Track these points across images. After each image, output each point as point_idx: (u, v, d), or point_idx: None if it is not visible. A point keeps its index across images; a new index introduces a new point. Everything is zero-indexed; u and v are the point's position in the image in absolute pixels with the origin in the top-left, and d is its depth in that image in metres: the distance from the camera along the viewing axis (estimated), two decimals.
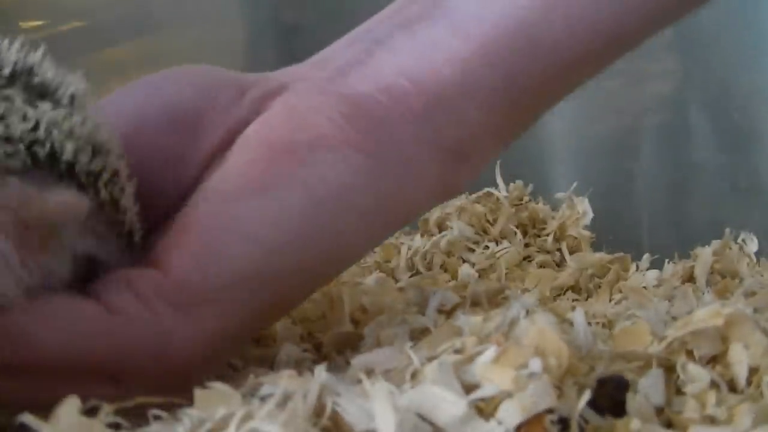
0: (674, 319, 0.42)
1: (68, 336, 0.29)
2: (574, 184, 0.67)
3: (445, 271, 0.60)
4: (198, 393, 0.28)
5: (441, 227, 0.66)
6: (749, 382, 0.33)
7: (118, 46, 0.75)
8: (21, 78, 0.31)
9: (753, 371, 0.33)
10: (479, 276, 0.59)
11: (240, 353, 0.36)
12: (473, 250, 0.63)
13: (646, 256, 0.63)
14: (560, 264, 0.63)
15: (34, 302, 0.30)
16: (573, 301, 0.56)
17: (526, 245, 0.65)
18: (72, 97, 0.31)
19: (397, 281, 0.59)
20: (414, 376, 0.28)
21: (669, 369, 0.34)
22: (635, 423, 0.28)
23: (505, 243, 0.63)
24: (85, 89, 0.31)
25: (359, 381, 0.27)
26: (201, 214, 0.32)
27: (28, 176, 0.29)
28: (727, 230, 0.63)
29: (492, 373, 0.27)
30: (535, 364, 0.27)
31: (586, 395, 0.27)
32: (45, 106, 0.30)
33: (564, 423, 0.27)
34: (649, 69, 0.76)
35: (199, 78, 0.36)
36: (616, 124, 0.79)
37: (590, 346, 0.32)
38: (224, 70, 0.37)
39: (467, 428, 0.26)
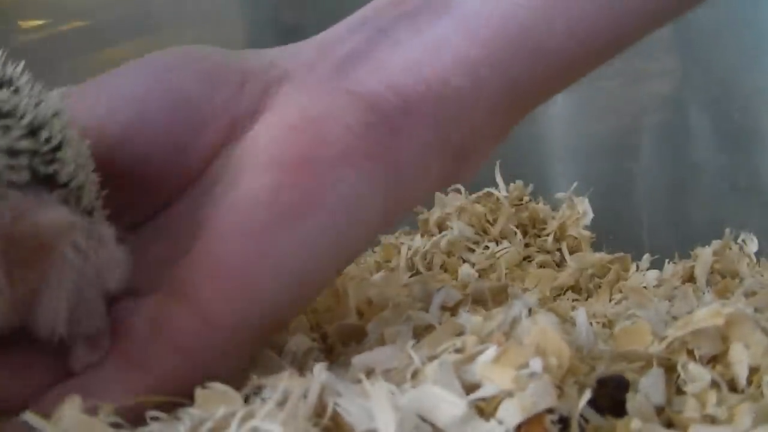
0: (674, 319, 0.42)
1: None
2: (575, 184, 0.67)
3: (445, 271, 0.60)
4: (198, 393, 0.28)
5: (441, 227, 0.66)
6: (749, 382, 0.33)
7: (118, 46, 0.75)
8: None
9: (753, 371, 0.33)
10: (479, 276, 0.59)
11: None
12: (473, 250, 0.63)
13: (646, 256, 0.63)
14: (560, 264, 0.63)
15: None
16: (573, 301, 0.56)
17: (526, 245, 0.65)
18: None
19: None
20: (414, 375, 0.28)
21: (669, 369, 0.34)
22: (635, 423, 0.28)
23: (505, 243, 0.63)
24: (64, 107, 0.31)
25: (359, 381, 0.27)
26: (228, 251, 0.31)
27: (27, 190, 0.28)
28: (728, 230, 0.63)
29: (492, 373, 0.27)
30: (536, 364, 0.27)
31: (587, 395, 0.27)
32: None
33: (564, 423, 0.27)
34: (648, 69, 0.76)
35: (201, 64, 0.35)
36: (616, 124, 0.79)
37: (591, 345, 0.33)
38: (225, 52, 0.36)
39: (467, 428, 0.26)
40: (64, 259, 0.29)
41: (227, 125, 0.33)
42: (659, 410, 0.31)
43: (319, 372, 0.27)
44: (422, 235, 0.65)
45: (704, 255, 0.59)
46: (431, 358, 0.29)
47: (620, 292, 0.56)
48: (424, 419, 0.26)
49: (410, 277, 0.60)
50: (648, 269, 0.61)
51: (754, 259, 0.62)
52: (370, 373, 0.29)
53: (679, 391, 0.33)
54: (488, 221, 0.66)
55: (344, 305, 0.40)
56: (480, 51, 0.34)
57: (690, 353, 0.34)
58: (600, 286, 0.58)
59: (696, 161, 0.75)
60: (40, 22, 0.77)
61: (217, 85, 0.34)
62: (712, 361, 0.35)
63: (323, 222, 0.31)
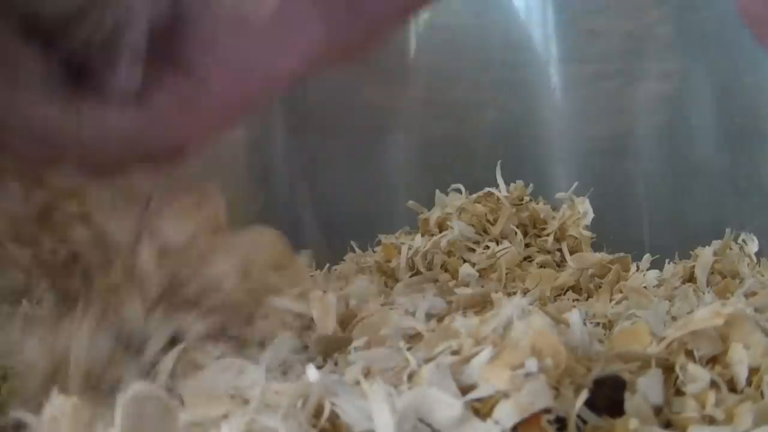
0: (675, 319, 0.42)
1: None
2: (575, 184, 0.67)
3: (446, 270, 0.60)
4: (195, 394, 0.28)
5: (441, 227, 0.66)
6: (749, 382, 0.33)
7: None
8: None
9: (753, 371, 0.33)
10: (480, 276, 0.59)
11: None
12: (474, 250, 0.63)
13: (646, 256, 0.63)
14: (561, 264, 0.63)
15: None
16: (573, 301, 0.55)
17: (527, 245, 0.65)
18: None
19: (397, 281, 0.59)
20: (411, 377, 0.28)
21: (668, 369, 0.34)
22: (633, 423, 0.28)
23: (506, 243, 0.63)
24: None
25: (357, 382, 0.27)
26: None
27: None
28: (728, 230, 0.63)
29: (488, 374, 0.27)
30: (532, 365, 0.27)
31: (584, 395, 0.27)
32: None
33: (561, 423, 0.27)
34: (649, 69, 0.76)
35: None
36: (616, 124, 0.79)
37: (587, 346, 0.32)
38: None
39: (464, 429, 0.26)
40: None
41: None
42: (658, 411, 0.31)
43: (317, 373, 0.27)
44: (422, 235, 0.65)
45: (704, 255, 0.59)
46: (427, 360, 0.29)
47: (620, 292, 0.56)
48: (421, 420, 0.26)
49: (410, 276, 0.60)
50: (648, 269, 0.61)
51: (755, 259, 0.62)
52: (366, 374, 0.29)
53: (679, 392, 0.33)
54: (489, 221, 0.66)
55: (326, 316, 0.40)
56: None
57: (689, 354, 0.34)
58: (600, 286, 0.58)
59: (696, 161, 0.75)
60: None
61: None
62: (712, 361, 0.35)
63: None
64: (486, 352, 0.27)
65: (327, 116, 0.82)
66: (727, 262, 0.59)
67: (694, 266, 0.59)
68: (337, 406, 0.27)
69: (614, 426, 0.29)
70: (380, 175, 0.81)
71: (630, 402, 0.30)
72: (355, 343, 0.36)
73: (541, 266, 0.62)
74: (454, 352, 0.29)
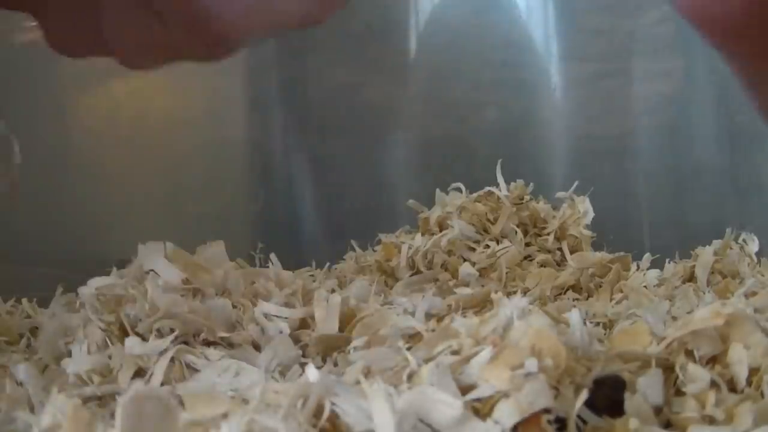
0: (675, 318, 0.42)
1: None
2: (575, 184, 0.67)
3: (446, 270, 0.60)
4: (193, 395, 0.28)
5: (442, 226, 0.66)
6: (749, 382, 0.33)
7: None
8: None
9: (753, 371, 0.33)
10: (480, 275, 0.59)
11: None
12: (474, 249, 0.63)
13: (646, 256, 0.63)
14: (561, 263, 0.63)
15: None
16: (574, 300, 0.56)
17: (527, 244, 0.65)
18: None
19: (397, 280, 0.59)
20: (411, 377, 0.28)
21: (668, 369, 0.34)
22: (633, 423, 0.28)
23: (506, 242, 0.63)
24: None
25: (357, 382, 0.27)
26: None
27: None
28: (728, 230, 0.63)
29: (488, 374, 0.27)
30: (532, 364, 0.27)
31: (583, 395, 0.27)
32: None
33: (561, 423, 0.27)
34: (649, 69, 0.76)
35: None
36: (616, 124, 0.79)
37: (587, 346, 0.32)
38: None
39: (464, 429, 0.26)
40: None
41: None
42: (658, 411, 0.31)
43: (317, 373, 0.27)
44: (423, 234, 0.65)
45: (705, 255, 0.59)
46: (427, 360, 0.29)
47: (621, 291, 0.56)
48: (421, 420, 0.26)
49: (411, 275, 0.60)
50: (648, 269, 0.61)
51: (755, 259, 0.62)
52: (366, 374, 0.29)
53: (679, 392, 0.33)
54: (489, 220, 0.66)
55: (325, 315, 0.40)
56: None
57: (689, 353, 0.34)
58: (600, 286, 0.58)
59: (696, 161, 0.75)
60: None
61: None
62: (712, 361, 0.34)
63: None
64: (486, 352, 0.27)
65: (327, 116, 0.82)
66: (727, 261, 0.59)
67: (694, 266, 0.59)
68: (337, 406, 0.27)
69: (614, 426, 0.29)
70: (380, 174, 0.81)
71: (630, 402, 0.30)
72: (354, 343, 0.36)
73: (541, 265, 0.62)
74: (454, 352, 0.29)
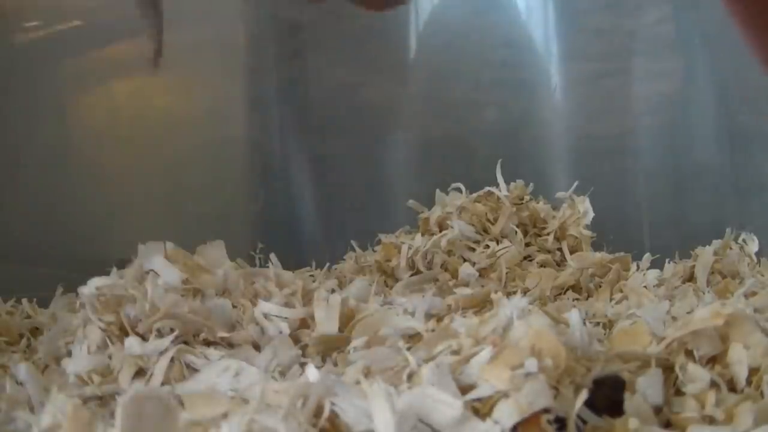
0: (675, 319, 0.42)
1: None
2: (575, 184, 0.67)
3: (446, 270, 0.60)
4: (193, 395, 0.28)
5: (441, 226, 0.66)
6: (749, 382, 0.33)
7: (118, 46, 0.75)
8: None
9: (753, 371, 0.33)
10: (480, 275, 0.59)
11: None
12: (474, 249, 0.63)
13: (646, 256, 0.63)
14: (561, 263, 0.63)
15: None
16: (573, 300, 0.56)
17: (527, 244, 0.65)
18: None
19: (397, 280, 0.59)
20: (411, 377, 0.28)
21: (668, 369, 0.34)
22: (633, 423, 0.28)
23: (506, 242, 0.63)
24: None
25: (357, 382, 0.27)
26: None
27: None
28: (728, 230, 0.63)
29: (488, 374, 0.27)
30: (531, 364, 0.27)
31: (583, 395, 0.27)
32: None
33: (561, 423, 0.27)
34: (649, 68, 0.76)
35: None
36: (616, 124, 0.79)
37: (586, 346, 0.32)
38: None
39: (464, 429, 0.26)
40: None
41: None
42: (658, 410, 0.31)
43: (317, 373, 0.27)
44: (423, 234, 0.65)
45: (705, 255, 0.59)
46: (427, 360, 0.29)
47: (621, 291, 0.56)
48: (421, 420, 0.26)
49: (410, 276, 0.60)
50: (648, 269, 0.61)
51: (755, 259, 0.62)
52: (366, 374, 0.29)
53: (679, 392, 0.33)
54: (489, 220, 0.66)
55: (325, 315, 0.40)
56: None
57: (689, 353, 0.34)
58: (600, 286, 0.58)
59: (697, 161, 0.75)
60: (40, 22, 0.77)
61: None
62: (712, 361, 0.35)
63: None
64: (485, 352, 0.27)
65: (327, 116, 0.82)
66: (727, 262, 0.59)
67: (694, 266, 0.59)
68: (337, 406, 0.27)
69: (614, 426, 0.29)
70: (380, 174, 0.81)
71: (630, 402, 0.30)
72: (354, 343, 0.36)
73: (541, 266, 0.62)
74: (454, 352, 0.29)
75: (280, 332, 0.39)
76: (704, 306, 0.36)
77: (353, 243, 0.68)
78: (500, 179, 0.68)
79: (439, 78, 0.82)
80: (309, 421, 0.26)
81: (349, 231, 0.71)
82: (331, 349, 0.37)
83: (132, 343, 0.37)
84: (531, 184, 0.69)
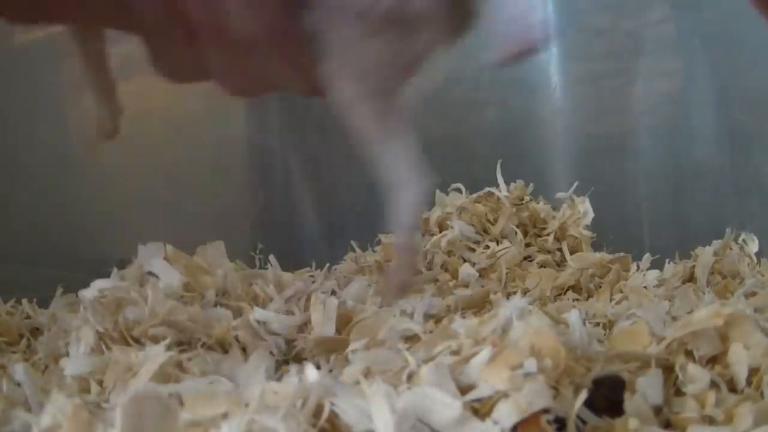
0: (675, 319, 0.42)
1: None
2: (575, 184, 0.67)
3: (446, 270, 0.60)
4: (193, 395, 0.28)
5: (441, 227, 0.66)
6: (749, 382, 0.33)
7: (118, 45, 0.75)
8: None
9: (753, 371, 0.33)
10: (480, 275, 0.59)
11: None
12: (474, 250, 0.63)
13: (646, 256, 0.62)
14: (561, 264, 0.63)
15: None
16: (574, 300, 0.55)
17: (527, 245, 0.65)
18: None
19: None
20: (410, 377, 0.28)
21: (668, 369, 0.34)
22: (633, 422, 0.28)
23: (506, 242, 0.63)
24: None
25: (357, 382, 0.27)
26: None
27: None
28: (728, 230, 0.63)
29: (488, 374, 0.27)
30: (531, 365, 0.27)
31: (583, 395, 0.27)
32: None
33: (561, 423, 0.27)
34: (649, 68, 0.76)
35: None
36: (616, 124, 0.79)
37: (586, 346, 0.32)
38: None
39: (464, 429, 0.25)
40: None
41: None
42: (657, 411, 0.31)
43: (317, 373, 0.27)
44: (423, 235, 0.65)
45: (705, 255, 0.59)
46: (426, 360, 0.29)
47: (621, 291, 0.56)
48: (420, 420, 0.26)
49: None
50: (648, 269, 0.61)
51: (755, 260, 0.62)
52: (366, 374, 0.29)
53: (678, 392, 0.33)
54: (489, 221, 0.66)
55: (322, 318, 0.40)
56: None
57: (689, 354, 0.34)
58: (600, 286, 0.58)
59: (697, 161, 0.75)
60: None
61: None
62: (712, 361, 0.35)
63: None
64: (485, 353, 0.27)
65: (326, 115, 0.82)
66: (727, 262, 0.59)
67: (694, 266, 0.59)
68: (337, 406, 0.27)
69: (614, 426, 0.29)
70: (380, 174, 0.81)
71: (630, 402, 0.30)
72: (352, 345, 0.36)
73: (541, 266, 0.62)
74: (453, 353, 0.29)
75: (277, 336, 0.39)
76: (704, 306, 0.36)
77: (353, 243, 0.68)
78: (500, 179, 0.68)
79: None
80: (308, 421, 0.26)
81: (349, 231, 0.71)
82: (329, 352, 0.37)
83: (119, 352, 0.37)
84: (531, 184, 0.69)
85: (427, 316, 0.40)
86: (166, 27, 0.37)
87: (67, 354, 0.40)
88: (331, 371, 0.36)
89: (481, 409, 0.26)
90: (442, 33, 0.36)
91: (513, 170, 0.69)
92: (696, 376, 0.33)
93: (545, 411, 0.26)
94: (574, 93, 0.79)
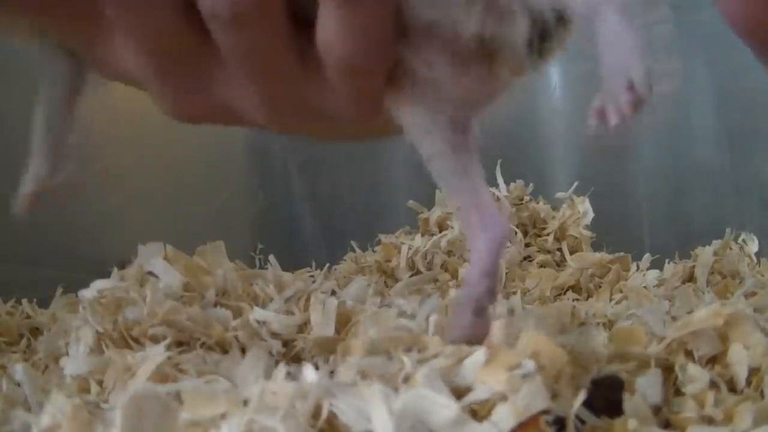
0: (674, 319, 0.42)
1: None
2: (575, 184, 0.67)
3: (446, 270, 0.60)
4: (193, 394, 0.28)
5: (441, 227, 0.66)
6: (749, 382, 0.33)
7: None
8: None
9: (753, 371, 0.33)
10: None
11: None
12: None
13: (646, 256, 0.62)
14: (561, 264, 0.63)
15: None
16: (573, 300, 0.55)
17: (527, 245, 0.65)
18: None
19: (397, 281, 0.59)
20: (406, 380, 0.28)
21: (668, 369, 0.33)
22: (632, 423, 0.28)
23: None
24: None
25: (354, 383, 0.27)
26: None
27: None
28: (728, 230, 0.63)
29: (485, 376, 0.27)
30: (528, 365, 0.26)
31: (582, 396, 0.27)
32: None
33: (560, 423, 0.27)
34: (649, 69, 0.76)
35: None
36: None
37: (584, 345, 0.32)
38: None
39: (463, 430, 0.25)
40: None
41: None
42: (657, 411, 0.31)
43: (315, 374, 0.27)
44: (422, 235, 0.65)
45: (704, 255, 0.59)
46: (421, 361, 0.29)
47: (621, 291, 0.56)
48: (419, 421, 0.26)
49: (410, 276, 0.60)
50: (648, 269, 0.61)
51: (755, 259, 0.62)
52: (364, 377, 0.29)
53: (678, 392, 0.33)
54: None
55: (321, 318, 0.40)
56: None
57: (689, 354, 0.34)
58: (600, 286, 0.58)
59: (697, 161, 0.75)
60: None
61: None
62: (712, 361, 0.34)
63: None
64: (479, 354, 0.27)
65: None
66: (727, 262, 0.59)
67: (694, 266, 0.59)
68: (336, 407, 0.27)
69: (613, 426, 0.29)
70: (380, 174, 0.81)
71: (629, 402, 0.30)
72: (351, 343, 0.36)
73: (541, 266, 0.62)
74: (450, 354, 0.29)
75: (275, 336, 0.39)
76: (704, 306, 0.36)
77: (353, 243, 0.68)
78: (500, 179, 0.68)
79: None
80: (308, 421, 0.26)
81: (349, 231, 0.71)
82: (328, 352, 0.37)
83: (117, 352, 0.36)
84: (531, 184, 0.69)
85: (427, 318, 0.39)
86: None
87: (67, 354, 0.40)
88: (332, 372, 0.36)
89: (479, 411, 0.26)
90: (523, 66, 0.35)
91: (513, 170, 0.69)
92: (696, 376, 0.33)
93: (545, 412, 0.26)
94: (574, 93, 0.79)
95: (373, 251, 0.66)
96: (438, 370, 0.27)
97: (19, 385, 0.37)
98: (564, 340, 0.30)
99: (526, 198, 0.68)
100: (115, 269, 0.47)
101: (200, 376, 0.33)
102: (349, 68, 0.32)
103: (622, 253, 0.62)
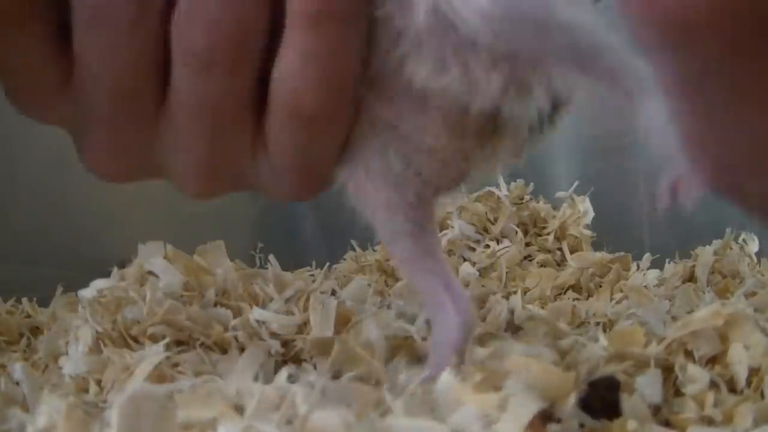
0: (675, 318, 0.42)
1: None
2: (575, 183, 0.67)
3: None
4: (190, 395, 0.28)
5: (441, 226, 0.65)
6: (749, 383, 0.33)
7: None
8: None
9: (753, 371, 0.33)
10: (480, 275, 0.59)
11: None
12: (474, 249, 0.63)
13: (646, 256, 0.62)
14: (561, 263, 0.63)
15: None
16: (574, 300, 0.55)
17: (527, 244, 0.65)
18: None
19: (397, 280, 0.59)
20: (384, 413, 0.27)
21: (668, 369, 0.33)
22: (631, 424, 0.28)
23: (506, 242, 0.63)
24: None
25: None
26: None
27: None
28: (728, 230, 0.63)
29: (468, 397, 0.26)
30: (513, 386, 0.26)
31: (578, 397, 0.27)
32: None
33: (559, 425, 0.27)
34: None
35: None
36: (616, 123, 0.79)
37: (582, 347, 0.32)
38: None
39: None
40: None
41: None
42: (656, 411, 0.31)
43: (305, 377, 0.27)
44: None
45: (705, 255, 0.59)
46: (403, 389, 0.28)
47: (621, 291, 0.56)
48: None
49: None
50: (648, 269, 0.61)
51: (755, 259, 0.62)
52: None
53: (678, 392, 0.33)
54: (489, 220, 0.66)
55: (321, 319, 0.40)
56: None
57: (689, 354, 0.34)
58: (601, 286, 0.58)
59: None
60: None
61: None
62: (711, 361, 0.34)
63: None
64: (446, 375, 0.27)
65: None
66: (727, 261, 0.59)
67: (694, 266, 0.59)
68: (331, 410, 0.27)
69: (611, 427, 0.29)
70: None
71: (628, 402, 0.30)
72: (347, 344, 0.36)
73: (541, 265, 0.62)
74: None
75: (274, 336, 0.39)
76: (704, 306, 0.36)
77: (353, 242, 0.68)
78: (500, 178, 0.68)
79: None
80: (302, 425, 0.26)
81: (349, 231, 0.71)
82: (327, 353, 0.37)
83: (116, 352, 0.36)
84: (531, 184, 0.69)
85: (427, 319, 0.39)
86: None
87: (67, 353, 0.40)
88: (333, 373, 0.36)
89: None
90: (521, 146, 0.32)
91: (513, 169, 0.69)
92: (695, 377, 0.33)
93: (544, 414, 0.26)
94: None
95: (374, 250, 0.66)
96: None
97: (18, 384, 0.37)
98: (560, 343, 0.30)
99: (527, 197, 0.68)
100: (115, 269, 0.47)
101: (198, 376, 0.33)
102: (301, 110, 0.29)
103: (622, 253, 0.62)
